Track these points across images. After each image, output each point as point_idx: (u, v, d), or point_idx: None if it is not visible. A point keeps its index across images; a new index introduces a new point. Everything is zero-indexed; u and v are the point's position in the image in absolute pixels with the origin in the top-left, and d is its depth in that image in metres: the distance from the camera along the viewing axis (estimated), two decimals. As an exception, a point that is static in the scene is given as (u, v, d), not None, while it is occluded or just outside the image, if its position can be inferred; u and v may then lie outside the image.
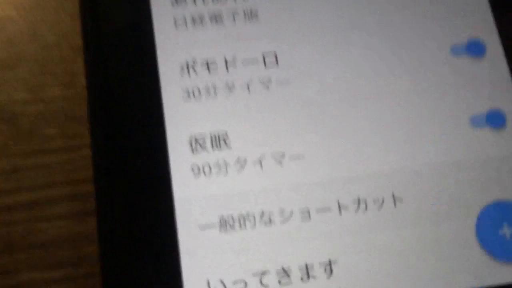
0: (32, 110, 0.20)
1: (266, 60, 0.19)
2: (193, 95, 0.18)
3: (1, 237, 0.18)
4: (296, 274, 0.16)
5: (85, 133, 0.19)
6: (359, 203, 0.17)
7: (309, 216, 0.17)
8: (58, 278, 0.18)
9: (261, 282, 0.16)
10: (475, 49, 0.19)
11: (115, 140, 0.17)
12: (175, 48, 0.19)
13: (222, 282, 0.16)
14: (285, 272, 0.16)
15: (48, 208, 0.18)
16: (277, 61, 0.19)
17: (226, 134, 0.18)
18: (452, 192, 0.18)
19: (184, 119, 0.18)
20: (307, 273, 0.16)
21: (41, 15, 0.21)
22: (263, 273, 0.16)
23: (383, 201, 0.17)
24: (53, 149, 0.19)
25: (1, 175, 0.19)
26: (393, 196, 0.18)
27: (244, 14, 0.19)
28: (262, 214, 0.17)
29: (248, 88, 0.18)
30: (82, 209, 0.18)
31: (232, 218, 0.17)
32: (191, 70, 0.18)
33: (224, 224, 0.17)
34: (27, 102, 0.20)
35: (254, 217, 0.17)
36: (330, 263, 0.16)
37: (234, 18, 0.19)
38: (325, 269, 0.16)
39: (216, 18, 0.19)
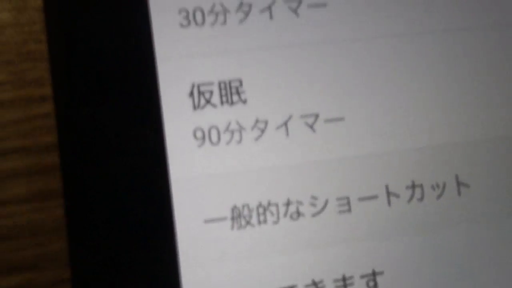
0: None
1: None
2: (194, 20, 0.13)
3: None
4: (331, 288, 0.12)
5: (46, 79, 0.14)
6: (413, 190, 0.13)
7: (349, 206, 0.13)
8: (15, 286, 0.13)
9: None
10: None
11: (86, 94, 0.12)
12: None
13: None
14: (317, 287, 0.12)
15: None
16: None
17: (240, 83, 0.13)
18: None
19: (182, 58, 0.12)
20: None
21: None
22: (288, 288, 0.12)
23: (444, 187, 0.13)
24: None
25: None
26: (457, 180, 0.13)
27: None
28: (288, 204, 0.12)
29: (270, 10, 0.13)
30: (45, 189, 0.14)
31: (249, 209, 0.12)
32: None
33: (238, 217, 0.12)
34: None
35: (277, 207, 0.12)
36: (374, 275, 0.12)
37: None
38: (367, 283, 0.12)
39: None
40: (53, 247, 0.14)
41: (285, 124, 0.13)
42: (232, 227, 0.12)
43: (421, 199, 0.13)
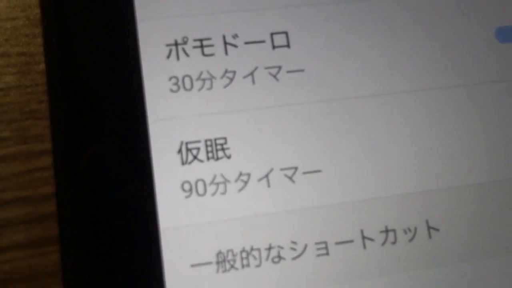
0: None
1: (275, 41, 0.15)
2: (183, 85, 0.14)
3: None
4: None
5: (45, 136, 0.15)
6: (387, 234, 0.14)
7: (327, 250, 0.14)
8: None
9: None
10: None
11: (83, 150, 0.13)
12: (160, 21, 0.14)
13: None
14: (298, 326, 0.13)
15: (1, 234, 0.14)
16: (288, 43, 0.15)
17: (225, 141, 0.14)
18: (496, 220, 0.15)
19: (171, 120, 0.14)
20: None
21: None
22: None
23: (415, 231, 0.14)
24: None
25: None
26: (428, 225, 0.14)
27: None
28: (269, 248, 0.13)
29: (253, 76, 0.14)
30: (43, 235, 0.15)
31: (233, 253, 0.13)
32: (180, 51, 0.14)
33: (223, 261, 0.13)
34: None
35: (259, 252, 0.13)
36: (352, 314, 0.13)
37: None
38: (346, 323, 0.13)
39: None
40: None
41: (267, 176, 0.14)
42: (218, 271, 0.13)
43: (394, 242, 0.14)
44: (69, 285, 0.12)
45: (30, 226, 0.15)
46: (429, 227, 0.14)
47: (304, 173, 0.14)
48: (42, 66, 0.16)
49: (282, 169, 0.14)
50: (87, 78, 0.14)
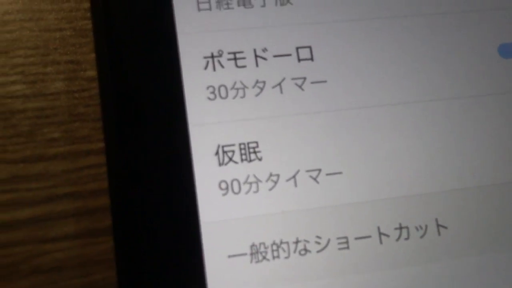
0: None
1: (300, 54, 0.16)
2: (219, 94, 0.16)
3: (1, 260, 0.16)
4: (332, 311, 0.15)
5: (92, 136, 0.17)
6: (401, 230, 0.16)
7: (348, 244, 0.15)
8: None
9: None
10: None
11: (132, 152, 0.15)
12: (198, 36, 0.16)
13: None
14: (322, 311, 0.15)
15: (54, 226, 0.16)
16: (312, 56, 0.16)
17: (257, 144, 0.15)
18: (498, 219, 0.16)
19: (209, 125, 0.15)
20: (345, 311, 0.15)
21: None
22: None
23: (426, 229, 0.16)
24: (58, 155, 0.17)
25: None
26: (437, 223, 0.16)
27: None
28: (297, 242, 0.15)
29: (281, 86, 0.16)
30: (91, 227, 0.16)
31: (265, 246, 0.15)
32: (216, 63, 0.16)
33: (256, 253, 0.15)
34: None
35: (288, 245, 0.15)
36: (369, 301, 0.15)
37: (264, 2, 0.16)
38: (364, 308, 0.15)
39: (244, 0, 0.16)
40: (98, 277, 0.17)
41: (294, 177, 0.16)
42: (251, 261, 0.15)
43: (407, 238, 0.16)
44: (122, 271, 0.14)
45: (80, 219, 0.17)
46: (438, 225, 0.16)
47: (327, 174, 0.16)
48: (88, 73, 0.18)
49: (307, 171, 0.16)
50: (134, 86, 0.16)
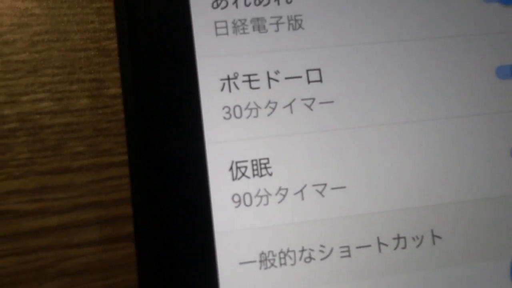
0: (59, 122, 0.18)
1: (310, 77, 0.18)
2: (234, 114, 0.17)
3: (29, 264, 0.17)
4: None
5: (114, 150, 0.18)
6: (398, 240, 0.17)
7: (349, 253, 0.17)
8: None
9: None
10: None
11: (153, 165, 0.16)
12: (215, 59, 0.17)
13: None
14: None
15: (78, 233, 0.18)
16: (321, 78, 0.18)
17: (268, 161, 0.17)
18: (489, 230, 0.17)
19: (224, 142, 0.17)
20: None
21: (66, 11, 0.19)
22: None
23: (422, 239, 0.17)
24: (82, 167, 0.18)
25: (27, 195, 0.18)
26: (432, 233, 0.17)
27: (288, 21, 0.18)
28: (302, 250, 0.16)
29: (291, 106, 0.17)
30: (112, 234, 0.18)
31: (273, 254, 0.16)
32: (232, 85, 0.17)
33: (265, 260, 0.16)
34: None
35: (294, 253, 0.16)
36: (369, 305, 0.16)
37: (278, 27, 0.18)
38: (364, 312, 0.16)
39: (259, 25, 0.18)
40: (119, 280, 0.18)
41: (301, 190, 0.17)
42: (260, 268, 0.16)
43: (405, 247, 0.17)
44: (142, 275, 0.16)
45: (102, 226, 0.18)
46: (433, 235, 0.17)
47: (332, 188, 0.17)
48: (110, 91, 0.19)
49: (314, 185, 0.17)
50: (155, 105, 0.17)
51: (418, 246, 0.17)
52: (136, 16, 0.17)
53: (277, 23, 0.18)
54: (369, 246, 0.17)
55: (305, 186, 0.17)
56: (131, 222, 0.17)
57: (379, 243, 0.17)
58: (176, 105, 0.17)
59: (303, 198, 0.17)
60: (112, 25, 0.19)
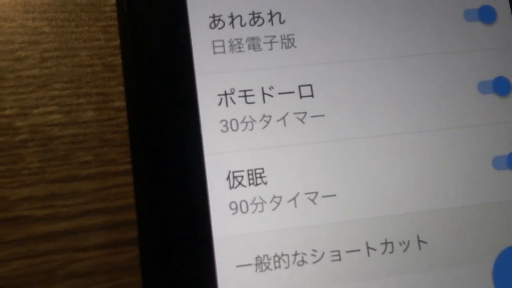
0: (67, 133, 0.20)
1: (302, 92, 0.19)
2: (231, 127, 0.18)
3: (40, 266, 0.18)
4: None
5: (119, 159, 0.19)
6: (386, 245, 0.18)
7: (340, 257, 0.18)
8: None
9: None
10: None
11: (156, 174, 0.17)
12: (213, 75, 0.19)
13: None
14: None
15: (86, 238, 0.19)
16: (312, 93, 0.19)
17: (263, 171, 0.18)
18: (472, 236, 0.19)
19: (222, 154, 0.18)
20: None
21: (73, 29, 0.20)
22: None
23: (408, 244, 0.18)
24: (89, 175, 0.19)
25: (37, 201, 0.19)
26: (418, 239, 0.18)
27: (282, 40, 0.19)
28: (295, 254, 0.18)
29: (284, 120, 0.18)
30: (117, 238, 0.19)
31: (268, 258, 0.17)
32: (229, 100, 0.18)
33: (260, 264, 0.17)
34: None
35: (288, 257, 0.17)
36: (358, 306, 0.17)
37: (271, 45, 0.19)
38: (353, 312, 0.17)
39: (254, 44, 0.19)
40: (124, 282, 0.19)
41: (294, 198, 0.18)
42: (256, 271, 0.18)
43: (392, 252, 0.18)
44: (146, 277, 0.17)
45: (108, 231, 0.19)
46: (419, 241, 0.18)
47: (323, 196, 0.18)
48: (115, 104, 0.20)
49: (306, 193, 0.18)
50: (157, 118, 0.18)
51: (404, 250, 0.18)
52: (140, 35, 0.18)
53: (271, 42, 0.19)
54: (358, 250, 0.18)
55: (298, 194, 0.18)
56: (135, 227, 0.18)
57: (368, 247, 0.18)
58: (177, 118, 0.18)
59: (296, 206, 0.18)
60: (117, 42, 0.20)
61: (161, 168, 0.18)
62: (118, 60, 0.20)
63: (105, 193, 0.19)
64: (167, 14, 0.19)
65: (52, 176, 0.19)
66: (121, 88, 0.20)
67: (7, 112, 0.19)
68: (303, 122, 0.18)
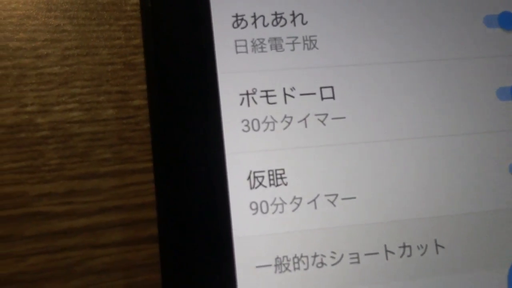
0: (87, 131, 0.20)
1: (323, 93, 0.19)
2: (252, 127, 0.18)
3: (58, 262, 0.18)
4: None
5: (137, 157, 0.19)
6: (404, 249, 0.18)
7: (358, 259, 0.18)
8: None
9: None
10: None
11: (176, 173, 0.18)
12: (235, 75, 0.19)
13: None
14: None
15: (103, 234, 0.19)
16: (333, 95, 0.19)
17: (283, 171, 0.18)
18: (488, 241, 0.19)
19: (243, 153, 0.18)
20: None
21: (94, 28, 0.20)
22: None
23: (426, 248, 0.18)
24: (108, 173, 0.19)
25: (57, 198, 0.19)
26: (436, 243, 0.18)
27: (304, 41, 0.19)
28: (315, 256, 0.18)
29: (305, 121, 0.18)
30: (135, 236, 0.19)
31: (287, 259, 0.17)
32: (250, 100, 0.18)
33: (280, 265, 0.17)
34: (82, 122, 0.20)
35: (307, 258, 0.18)
36: (376, 309, 0.17)
37: (293, 46, 0.19)
38: (371, 315, 0.17)
39: (276, 44, 0.19)
40: (141, 279, 0.19)
41: (314, 200, 0.18)
42: (275, 272, 0.18)
43: (410, 255, 0.18)
44: (165, 275, 0.17)
45: (125, 228, 0.19)
46: (437, 245, 0.19)
47: (343, 199, 0.18)
48: (135, 102, 0.20)
49: (326, 195, 0.18)
50: (178, 116, 0.18)
51: (422, 254, 0.18)
52: (162, 34, 0.18)
53: (293, 43, 0.19)
54: (376, 253, 0.18)
55: (318, 195, 0.18)
56: (152, 225, 0.19)
57: (386, 250, 0.18)
58: (198, 117, 0.18)
59: (316, 207, 0.18)
60: (137, 41, 0.20)
61: (182, 167, 0.18)
62: (138, 59, 0.20)
63: (123, 190, 0.19)
64: (190, 13, 0.19)
65: (71, 172, 0.19)
66: (141, 87, 0.20)
67: (28, 108, 0.19)
68: (324, 124, 0.18)
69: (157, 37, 0.19)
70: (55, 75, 0.20)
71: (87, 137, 0.20)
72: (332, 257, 0.18)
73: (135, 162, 0.20)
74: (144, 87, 0.20)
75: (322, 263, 0.18)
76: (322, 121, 0.19)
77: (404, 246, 0.18)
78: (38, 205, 0.19)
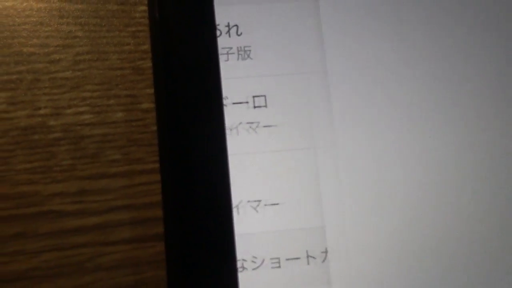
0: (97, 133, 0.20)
1: (256, 102, 0.19)
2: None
3: (69, 258, 0.19)
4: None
5: (145, 158, 0.20)
6: (326, 254, 0.18)
7: (279, 264, 0.18)
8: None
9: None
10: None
11: (182, 173, 0.18)
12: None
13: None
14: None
15: (112, 232, 0.20)
16: (266, 104, 0.19)
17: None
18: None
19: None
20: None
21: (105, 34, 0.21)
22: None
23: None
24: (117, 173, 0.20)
25: (68, 197, 0.20)
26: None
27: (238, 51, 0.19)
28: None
29: (237, 130, 0.19)
30: (143, 234, 0.20)
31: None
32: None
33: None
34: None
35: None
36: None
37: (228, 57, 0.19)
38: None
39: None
40: (148, 275, 0.20)
41: (237, 206, 0.18)
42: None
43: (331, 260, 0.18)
44: (171, 271, 0.18)
45: (134, 227, 0.20)
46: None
47: (266, 205, 0.18)
48: (143, 105, 0.21)
49: (249, 201, 0.18)
50: (184, 118, 0.19)
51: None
52: (170, 40, 0.19)
53: (227, 53, 0.19)
54: (298, 258, 0.18)
55: (240, 201, 0.18)
56: (160, 223, 0.19)
57: (308, 256, 0.18)
58: (200, 116, 0.19)
59: (238, 213, 0.18)
60: (146, 46, 0.21)
61: (187, 167, 0.18)
62: (146, 64, 0.21)
63: (132, 190, 0.20)
64: (195, 20, 0.19)
65: (82, 173, 0.20)
66: (149, 91, 0.21)
67: (42, 111, 0.20)
68: (256, 132, 0.19)
69: (164, 43, 0.19)
70: (67, 80, 0.21)
71: (97, 139, 0.20)
72: (253, 261, 0.18)
73: (143, 163, 0.21)
74: (152, 91, 0.21)
75: (243, 268, 0.18)
76: (254, 129, 0.19)
77: (326, 251, 0.18)
78: (51, 204, 0.20)
